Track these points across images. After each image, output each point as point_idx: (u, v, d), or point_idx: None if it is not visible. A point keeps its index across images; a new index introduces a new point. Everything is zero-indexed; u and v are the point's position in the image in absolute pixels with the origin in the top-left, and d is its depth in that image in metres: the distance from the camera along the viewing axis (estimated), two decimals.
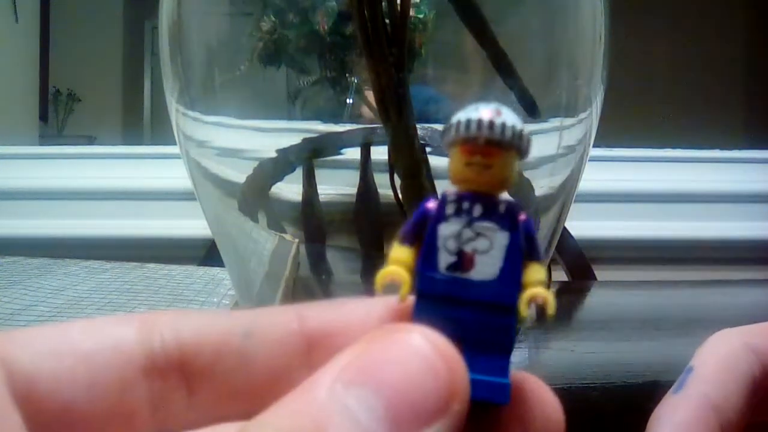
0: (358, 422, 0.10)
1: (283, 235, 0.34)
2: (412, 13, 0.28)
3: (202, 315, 0.13)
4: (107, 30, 3.51)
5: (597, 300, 0.75)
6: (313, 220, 0.34)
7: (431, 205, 0.12)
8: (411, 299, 0.12)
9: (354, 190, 0.33)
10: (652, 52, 2.86)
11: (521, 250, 0.11)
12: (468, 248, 0.11)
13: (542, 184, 0.32)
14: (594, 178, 1.08)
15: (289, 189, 0.33)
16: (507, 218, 0.11)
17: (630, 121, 2.05)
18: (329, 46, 0.31)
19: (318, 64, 0.32)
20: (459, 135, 0.11)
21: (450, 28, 0.32)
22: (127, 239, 1.08)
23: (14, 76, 1.69)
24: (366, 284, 0.35)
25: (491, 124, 0.11)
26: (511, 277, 0.11)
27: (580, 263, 0.90)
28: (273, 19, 0.31)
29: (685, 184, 1.16)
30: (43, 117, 2.66)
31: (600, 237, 1.10)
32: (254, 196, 0.33)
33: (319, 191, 0.33)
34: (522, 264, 0.11)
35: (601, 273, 0.95)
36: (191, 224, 0.94)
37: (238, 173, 0.32)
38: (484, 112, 0.11)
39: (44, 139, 2.33)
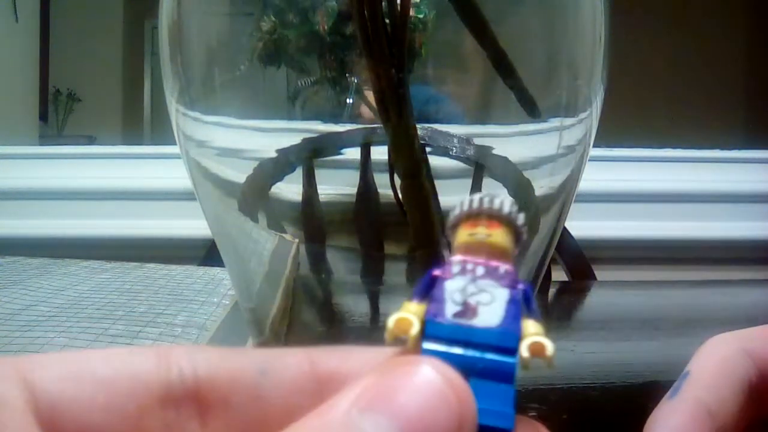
0: None
1: (283, 235, 0.34)
2: (412, 13, 0.28)
3: (218, 351, 0.14)
4: (107, 30, 3.52)
5: (597, 300, 0.75)
6: (313, 220, 0.34)
7: (438, 271, 0.13)
8: (418, 342, 0.12)
9: (354, 190, 0.33)
10: (652, 51, 2.86)
11: (520, 305, 0.13)
12: (472, 300, 0.12)
13: (542, 184, 0.32)
14: (594, 178, 1.08)
15: (289, 189, 0.33)
16: (507, 279, 0.13)
17: (630, 121, 2.05)
18: (329, 46, 0.31)
19: (318, 64, 0.32)
20: (463, 212, 0.13)
21: (450, 28, 0.32)
22: (127, 239, 1.08)
23: (14, 76, 1.69)
24: (366, 284, 0.35)
25: (492, 201, 0.13)
26: (512, 326, 0.12)
27: (580, 263, 0.90)
28: (273, 19, 0.31)
29: (685, 184, 1.16)
30: (43, 117, 2.66)
31: (600, 237, 1.10)
32: (254, 196, 0.33)
33: (319, 191, 0.33)
34: (521, 317, 0.12)
35: (601, 273, 0.95)
36: (191, 224, 0.94)
37: (238, 173, 0.32)
38: (484, 194, 0.13)
39: (44, 139, 2.33)
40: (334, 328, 0.35)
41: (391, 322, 0.12)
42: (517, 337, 0.12)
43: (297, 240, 0.33)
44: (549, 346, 0.12)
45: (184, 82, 0.33)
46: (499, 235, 0.13)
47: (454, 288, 0.13)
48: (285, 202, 0.34)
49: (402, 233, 0.29)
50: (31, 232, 1.07)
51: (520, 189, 0.32)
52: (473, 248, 0.13)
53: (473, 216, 0.13)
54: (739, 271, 1.12)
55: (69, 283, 0.53)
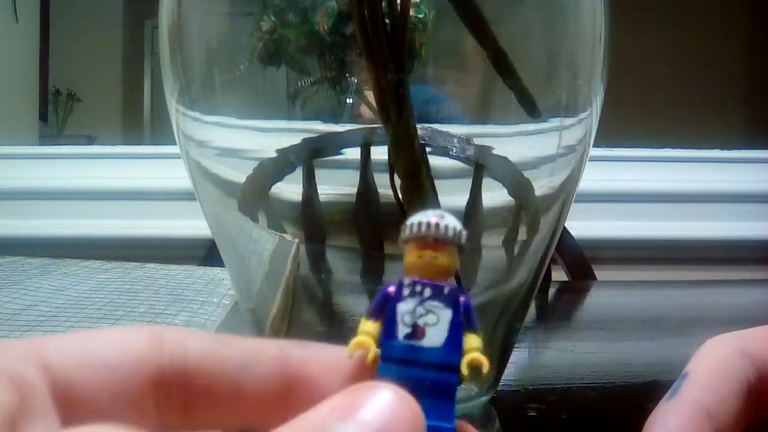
0: None
1: (283, 235, 0.34)
2: (412, 13, 0.28)
3: (204, 337, 0.15)
4: (107, 30, 3.51)
5: (597, 300, 0.75)
6: (313, 220, 0.34)
7: (391, 289, 0.15)
8: (375, 361, 0.14)
9: (354, 190, 0.33)
10: (652, 52, 2.86)
11: (461, 324, 0.14)
12: (420, 322, 0.14)
13: (542, 184, 0.32)
14: (594, 178, 1.07)
15: (289, 189, 0.33)
16: (450, 299, 0.14)
17: (630, 121, 2.05)
18: (329, 46, 0.31)
19: (318, 64, 0.32)
20: (413, 234, 0.15)
21: (450, 28, 0.32)
22: (127, 239, 1.08)
23: (14, 76, 1.69)
24: (366, 284, 0.35)
25: (437, 225, 0.14)
26: (454, 344, 0.14)
27: (580, 263, 0.90)
28: (273, 19, 0.31)
29: (685, 184, 1.16)
30: (43, 117, 2.66)
31: (600, 237, 1.10)
32: (254, 196, 0.33)
33: (319, 191, 0.33)
34: (463, 334, 0.14)
35: (601, 273, 0.95)
36: (191, 224, 0.94)
37: (238, 173, 0.32)
38: (432, 217, 0.15)
39: (44, 139, 2.33)
40: (334, 328, 0.35)
41: (351, 343, 0.14)
42: (459, 355, 0.14)
43: (297, 240, 0.33)
44: (485, 363, 0.14)
45: (184, 82, 0.33)
46: (445, 257, 0.15)
47: (405, 310, 0.14)
48: (285, 202, 0.34)
49: None
50: (31, 232, 1.07)
51: (520, 189, 0.32)
52: (422, 269, 0.15)
53: (422, 238, 0.15)
54: (739, 271, 1.12)
55: (69, 283, 0.53)
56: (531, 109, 0.31)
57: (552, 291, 0.69)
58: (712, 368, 0.16)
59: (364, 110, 0.31)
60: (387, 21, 0.27)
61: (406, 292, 0.14)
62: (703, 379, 0.16)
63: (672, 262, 1.15)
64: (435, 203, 0.29)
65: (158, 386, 0.14)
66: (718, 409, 0.15)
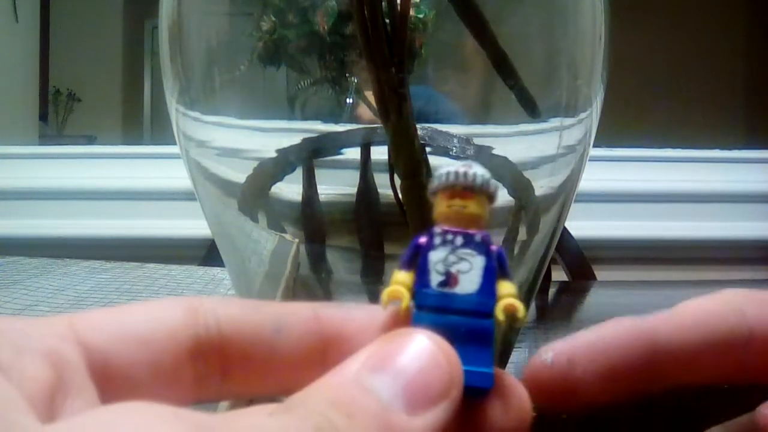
0: (380, 399, 0.12)
1: (283, 235, 0.34)
2: (412, 13, 0.28)
3: (238, 304, 0.15)
4: (107, 30, 3.51)
5: (597, 300, 0.75)
6: (313, 220, 0.34)
7: (423, 239, 0.15)
8: (409, 310, 0.14)
9: (354, 190, 0.33)
10: (652, 51, 2.86)
11: (495, 270, 0.14)
12: (453, 269, 0.14)
13: (542, 184, 0.32)
14: (594, 178, 1.08)
15: (289, 189, 0.33)
16: (482, 246, 0.14)
17: (630, 121, 2.05)
18: (329, 46, 0.31)
19: (318, 64, 0.32)
20: (441, 184, 0.15)
21: (450, 28, 0.32)
22: (127, 239, 1.08)
23: (14, 76, 1.69)
24: (366, 284, 0.35)
25: (465, 174, 0.15)
26: (488, 290, 0.14)
27: (580, 263, 0.90)
28: (273, 19, 0.31)
29: (685, 184, 1.16)
30: (43, 117, 2.66)
31: (600, 237, 1.10)
32: (254, 196, 0.33)
33: (319, 191, 0.33)
34: (496, 281, 0.14)
35: (601, 273, 0.95)
36: (191, 224, 0.94)
37: (238, 173, 0.32)
38: (460, 167, 0.15)
39: (44, 139, 2.33)
40: None
41: (384, 293, 0.14)
42: (493, 302, 0.14)
43: (297, 240, 0.33)
44: (520, 308, 0.14)
45: (184, 82, 0.33)
46: (474, 205, 0.15)
47: (437, 259, 0.14)
48: (285, 202, 0.34)
49: (402, 233, 0.29)
50: (31, 232, 1.07)
51: (520, 189, 0.32)
52: (451, 218, 0.15)
53: (449, 188, 0.15)
54: (739, 271, 1.12)
55: (69, 283, 0.53)
56: (531, 109, 0.31)
57: (552, 291, 0.69)
58: (692, 311, 0.16)
59: (363, 110, 0.31)
60: (387, 21, 0.27)
61: (437, 241, 0.14)
62: (672, 314, 0.16)
63: (672, 262, 1.15)
64: None
65: (195, 356, 0.14)
66: (669, 339, 0.15)
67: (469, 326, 0.14)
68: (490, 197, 0.15)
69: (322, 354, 0.15)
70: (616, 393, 0.16)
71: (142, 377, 0.13)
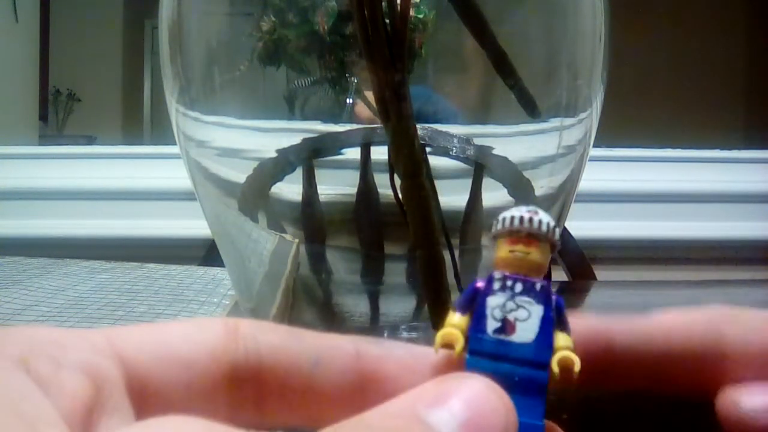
0: None
1: (283, 235, 0.34)
2: (412, 13, 0.28)
3: (278, 331, 0.15)
4: (107, 30, 3.51)
5: (597, 300, 0.75)
6: (313, 220, 0.34)
7: (480, 284, 0.14)
8: (463, 354, 0.14)
9: (354, 190, 0.33)
10: (652, 52, 2.86)
11: (553, 321, 0.14)
12: (511, 317, 0.14)
13: (542, 184, 0.32)
14: (594, 178, 1.07)
15: (289, 189, 0.33)
16: (542, 295, 0.14)
17: (630, 121, 2.05)
18: (329, 46, 0.31)
19: (318, 64, 0.32)
20: (505, 228, 0.14)
21: (450, 28, 0.32)
22: (127, 239, 1.08)
23: (14, 76, 1.69)
24: (366, 284, 0.35)
25: (531, 220, 0.14)
26: (545, 341, 0.14)
27: (580, 263, 0.90)
28: (273, 19, 0.31)
29: (685, 184, 1.16)
30: (43, 117, 2.66)
31: (600, 237, 1.10)
32: (254, 196, 0.33)
33: (319, 191, 0.33)
34: (554, 332, 0.14)
35: (601, 273, 0.95)
36: (191, 224, 0.94)
37: (238, 173, 0.32)
38: (525, 212, 0.14)
39: (44, 139, 2.33)
40: (334, 328, 0.35)
41: (438, 336, 0.14)
42: (550, 353, 0.14)
43: (297, 240, 0.33)
44: (577, 362, 0.14)
45: (184, 82, 0.33)
46: (537, 253, 0.14)
47: (494, 304, 0.14)
48: (285, 202, 0.34)
49: (402, 233, 0.29)
50: (31, 232, 1.07)
51: (520, 189, 0.32)
52: (513, 264, 0.14)
53: (514, 233, 0.14)
54: (739, 271, 1.12)
55: (69, 283, 0.53)
56: (531, 109, 0.31)
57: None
58: (664, 319, 0.16)
59: (363, 110, 0.31)
60: (387, 21, 0.27)
61: (496, 286, 0.14)
62: (643, 318, 0.16)
63: (672, 262, 1.15)
64: (435, 203, 0.29)
65: (231, 381, 0.14)
66: (625, 340, 0.15)
67: (523, 376, 0.13)
68: (554, 246, 0.15)
69: (360, 391, 0.14)
70: (568, 385, 0.15)
71: (178, 399, 0.13)
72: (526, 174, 0.32)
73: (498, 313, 0.14)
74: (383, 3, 0.26)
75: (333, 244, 0.35)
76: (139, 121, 3.63)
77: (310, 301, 0.36)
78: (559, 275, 0.88)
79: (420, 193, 0.28)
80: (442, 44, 0.32)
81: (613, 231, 1.13)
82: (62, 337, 0.13)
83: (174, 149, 0.34)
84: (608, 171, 1.14)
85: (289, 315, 0.33)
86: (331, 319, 0.36)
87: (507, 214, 0.14)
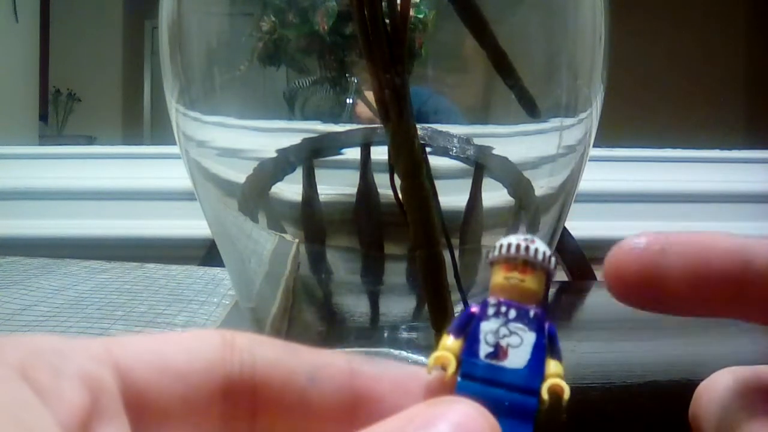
0: None
1: (283, 235, 0.34)
2: (412, 13, 0.28)
3: (274, 346, 0.15)
4: (107, 30, 3.51)
5: (597, 300, 0.75)
6: (313, 220, 0.34)
7: (475, 309, 0.15)
8: (454, 377, 0.14)
9: (354, 190, 0.33)
10: (652, 52, 2.86)
11: (545, 348, 0.14)
12: (503, 342, 0.14)
13: (542, 184, 0.32)
14: (594, 178, 1.07)
15: (289, 189, 0.33)
16: (535, 322, 0.14)
17: (630, 121, 2.05)
18: (329, 46, 0.31)
19: (318, 64, 0.32)
20: (502, 255, 0.15)
21: (450, 28, 0.32)
22: (127, 239, 1.08)
23: (14, 76, 1.69)
24: (366, 284, 0.35)
25: (527, 248, 0.15)
26: (536, 368, 0.14)
27: (580, 263, 0.90)
28: (273, 19, 0.31)
29: (685, 184, 1.16)
30: (43, 117, 2.66)
31: (600, 237, 1.10)
32: (254, 196, 0.33)
33: (319, 191, 0.33)
34: (545, 359, 0.14)
35: (601, 273, 0.95)
36: (191, 224, 0.94)
37: (238, 173, 0.32)
38: (522, 240, 0.15)
39: (44, 139, 2.33)
40: (334, 328, 0.35)
41: (431, 358, 0.14)
42: (540, 380, 0.14)
43: (297, 240, 0.33)
44: (566, 390, 0.14)
45: (184, 82, 0.33)
46: (532, 281, 0.15)
47: (488, 329, 0.14)
48: (285, 202, 0.34)
49: (402, 233, 0.29)
50: (31, 232, 1.07)
51: (520, 189, 0.32)
52: (507, 290, 0.15)
53: (510, 260, 0.15)
54: None
55: (69, 283, 0.53)
56: (531, 109, 0.31)
57: (552, 291, 0.69)
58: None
59: (363, 110, 0.31)
60: (387, 21, 0.27)
61: (490, 311, 0.14)
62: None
63: None
64: (435, 203, 0.29)
65: (226, 395, 0.14)
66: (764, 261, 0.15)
67: (513, 401, 0.14)
68: (549, 275, 0.15)
69: (353, 409, 0.14)
70: (702, 303, 0.15)
71: (174, 411, 0.13)
72: (526, 174, 0.32)
73: (491, 338, 0.14)
74: (383, 3, 0.26)
75: (333, 244, 0.35)
76: (139, 121, 3.63)
77: (310, 301, 0.36)
78: (559, 275, 0.88)
79: (420, 193, 0.28)
80: (442, 44, 0.32)
81: (613, 231, 1.13)
82: (61, 345, 0.13)
83: (174, 149, 0.34)
84: (608, 171, 1.14)
85: (289, 315, 0.33)
86: (331, 319, 0.36)
87: (504, 240, 0.15)
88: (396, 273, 0.35)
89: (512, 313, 0.14)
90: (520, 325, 0.14)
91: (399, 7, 0.27)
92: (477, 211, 0.33)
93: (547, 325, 0.15)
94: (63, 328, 0.42)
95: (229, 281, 0.53)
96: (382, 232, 0.34)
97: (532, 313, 0.14)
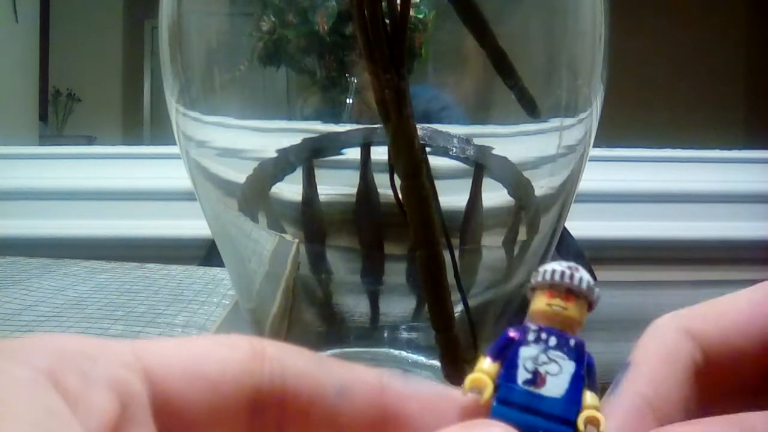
0: None
1: (283, 235, 0.34)
2: (412, 13, 0.28)
3: (304, 357, 0.14)
4: (107, 30, 3.51)
5: None
6: (313, 220, 0.34)
7: (513, 333, 0.14)
8: (490, 401, 0.14)
9: (354, 190, 0.33)
10: (652, 52, 2.86)
11: (583, 379, 0.14)
12: (542, 369, 0.14)
13: (542, 184, 0.32)
14: (594, 178, 1.07)
15: (289, 189, 0.33)
16: (575, 352, 0.14)
17: (630, 121, 2.05)
18: (329, 46, 0.31)
19: (318, 64, 0.32)
20: (546, 281, 0.14)
21: (450, 28, 0.32)
22: (127, 239, 1.07)
23: (14, 76, 1.69)
24: (366, 284, 0.35)
25: (572, 276, 0.14)
26: (573, 398, 0.14)
27: (580, 263, 0.90)
28: (273, 19, 0.31)
29: (685, 184, 1.16)
30: (43, 117, 2.66)
31: (600, 237, 1.10)
32: (254, 196, 0.33)
33: (319, 191, 0.33)
34: (582, 390, 0.14)
35: (601, 273, 0.95)
36: (191, 224, 0.94)
37: (238, 173, 0.32)
38: (566, 267, 0.15)
39: (44, 139, 2.33)
40: (334, 328, 0.35)
41: (468, 380, 0.14)
42: (577, 410, 0.14)
43: (297, 240, 0.33)
44: (603, 422, 0.14)
45: (184, 82, 0.33)
46: (574, 309, 0.14)
47: (527, 355, 0.14)
48: (285, 202, 0.34)
49: (402, 233, 0.29)
50: (31, 232, 1.07)
51: (520, 189, 0.32)
52: (549, 317, 0.14)
53: (555, 287, 0.14)
54: (739, 271, 1.12)
55: (69, 283, 0.53)
56: (531, 109, 0.31)
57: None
58: (655, 355, 0.16)
59: (363, 110, 0.31)
60: (387, 21, 0.27)
61: (530, 337, 0.14)
62: (645, 368, 0.15)
63: (672, 262, 1.14)
64: (435, 203, 0.29)
65: (254, 405, 0.13)
66: (662, 401, 0.15)
67: (548, 430, 0.14)
68: (591, 304, 0.15)
69: (381, 426, 0.14)
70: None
71: (202, 420, 0.13)
72: (526, 174, 0.32)
73: (530, 365, 0.14)
74: (383, 3, 0.26)
75: (333, 244, 0.35)
76: (139, 121, 3.63)
77: (310, 301, 0.36)
78: None
79: (420, 193, 0.28)
80: (442, 44, 0.32)
81: (613, 231, 1.13)
82: (90, 348, 0.12)
83: (174, 149, 0.34)
84: (608, 171, 1.14)
85: (289, 315, 0.33)
86: (331, 319, 0.36)
87: (548, 267, 0.15)
88: (396, 273, 0.35)
89: (552, 341, 0.14)
90: (559, 354, 0.14)
91: (399, 7, 0.27)
92: (477, 211, 0.33)
93: (586, 356, 0.14)
94: (63, 328, 0.42)
95: (229, 281, 0.53)
96: (382, 232, 0.34)
97: (572, 342, 0.14)
